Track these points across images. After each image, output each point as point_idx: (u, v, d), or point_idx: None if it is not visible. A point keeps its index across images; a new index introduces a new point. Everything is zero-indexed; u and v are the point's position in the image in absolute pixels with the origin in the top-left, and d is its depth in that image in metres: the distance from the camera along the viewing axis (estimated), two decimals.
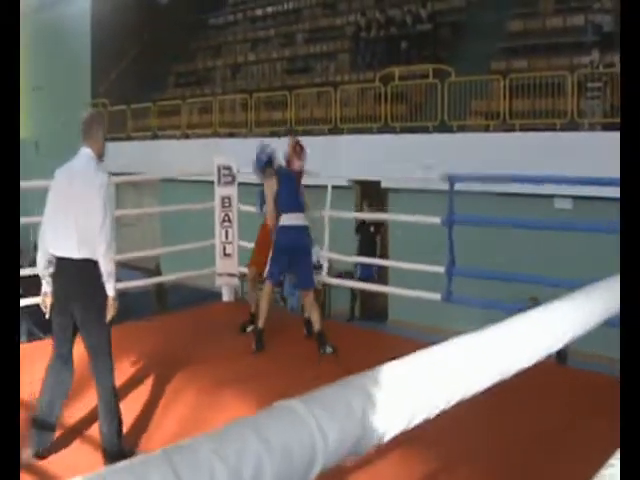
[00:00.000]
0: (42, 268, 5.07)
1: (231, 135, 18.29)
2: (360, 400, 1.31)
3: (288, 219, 7.62)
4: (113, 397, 5.09)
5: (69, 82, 24.43)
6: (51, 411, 5.07)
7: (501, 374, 1.75)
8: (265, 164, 7.95)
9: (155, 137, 20.33)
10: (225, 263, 9.22)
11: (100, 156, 5.12)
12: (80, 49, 24.17)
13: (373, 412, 1.32)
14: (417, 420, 1.45)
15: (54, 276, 5.01)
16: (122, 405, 5.62)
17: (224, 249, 9.21)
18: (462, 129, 14.03)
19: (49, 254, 5.00)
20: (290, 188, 7.74)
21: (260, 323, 7.42)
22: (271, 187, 7.75)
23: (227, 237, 9.21)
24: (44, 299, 5.12)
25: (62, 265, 4.94)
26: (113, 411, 5.06)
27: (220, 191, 9.21)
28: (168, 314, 9.81)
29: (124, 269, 12.60)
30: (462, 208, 7.37)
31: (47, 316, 5.13)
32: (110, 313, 4.99)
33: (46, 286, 5.10)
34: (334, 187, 8.96)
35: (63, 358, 5.11)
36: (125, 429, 5.25)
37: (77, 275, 4.93)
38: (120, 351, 7.13)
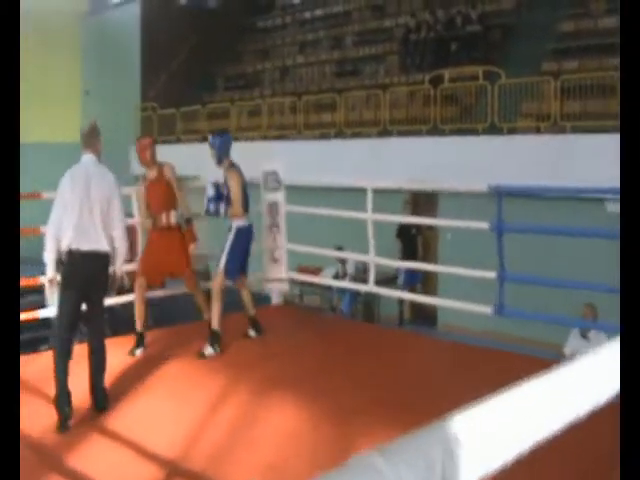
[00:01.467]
0: (52, 261, 5.80)
1: (280, 138, 18.29)
2: (439, 451, 1.26)
3: (244, 220, 7.71)
4: (104, 360, 5.83)
5: (119, 86, 24.63)
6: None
7: (577, 414, 1.70)
8: (224, 152, 7.78)
9: (204, 140, 20.40)
10: (274, 268, 9.20)
11: (99, 159, 5.97)
12: (130, 53, 24.35)
13: (452, 463, 1.27)
14: (495, 466, 1.40)
15: (73, 265, 5.66)
16: (171, 407, 5.72)
17: (272, 254, 9.19)
18: (512, 131, 13.87)
19: (62, 248, 5.67)
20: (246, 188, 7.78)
21: (215, 324, 7.36)
22: (238, 183, 7.62)
23: (275, 242, 9.19)
24: (50, 284, 5.95)
25: (84, 257, 5.64)
26: (104, 363, 5.83)
27: (267, 197, 9.20)
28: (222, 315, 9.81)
29: None
30: (509, 211, 7.26)
31: (50, 297, 6.28)
32: (115, 284, 6.04)
33: (53, 273, 5.86)
34: (382, 191, 8.86)
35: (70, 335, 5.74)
36: (177, 432, 5.33)
37: (100, 264, 5.73)
38: (170, 352, 7.20)
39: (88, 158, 5.90)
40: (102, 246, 5.71)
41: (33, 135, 23.02)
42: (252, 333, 7.87)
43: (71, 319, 5.69)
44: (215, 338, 7.26)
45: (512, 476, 1.66)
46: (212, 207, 7.67)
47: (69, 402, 5.46)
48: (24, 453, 5.08)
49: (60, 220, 5.69)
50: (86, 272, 5.68)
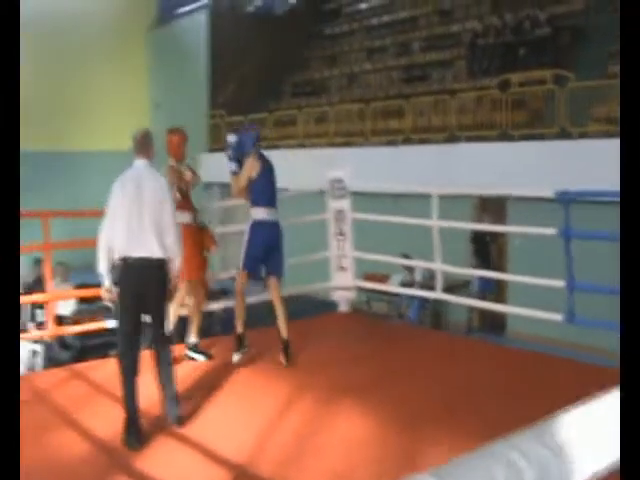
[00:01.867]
0: (106, 269, 5.65)
1: (347, 144, 18.29)
2: (501, 474, 1.22)
3: (264, 213, 7.34)
4: (172, 371, 5.71)
5: (187, 94, 24.90)
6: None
7: None
8: (250, 147, 7.46)
9: (271, 147, 20.51)
10: (340, 276, 9.21)
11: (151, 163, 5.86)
12: (198, 61, 24.62)
13: None
14: None
15: (129, 273, 5.56)
16: (239, 413, 5.83)
17: (339, 262, 9.19)
18: (583, 136, 13.65)
19: (114, 256, 5.57)
20: (270, 180, 7.49)
21: (239, 329, 7.26)
22: (250, 168, 7.33)
23: (342, 250, 9.18)
24: (107, 294, 5.73)
25: (137, 264, 5.54)
26: (173, 378, 5.69)
27: (333, 204, 9.20)
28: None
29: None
30: (579, 217, 7.14)
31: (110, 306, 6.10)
32: (174, 292, 5.94)
33: (109, 283, 5.69)
34: (451, 197, 8.78)
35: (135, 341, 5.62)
36: (245, 437, 5.38)
37: (156, 270, 5.60)
38: (230, 359, 7.23)
39: (141, 163, 5.82)
40: (154, 252, 5.57)
41: (106, 145, 23.48)
42: (282, 360, 7.25)
43: (131, 331, 5.58)
44: (241, 342, 7.21)
45: None
46: (231, 154, 7.48)
47: (138, 428, 5.41)
48: (95, 455, 5.19)
49: (112, 227, 5.61)
50: (140, 280, 5.58)
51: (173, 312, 7.20)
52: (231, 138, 7.45)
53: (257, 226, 7.31)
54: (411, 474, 1.15)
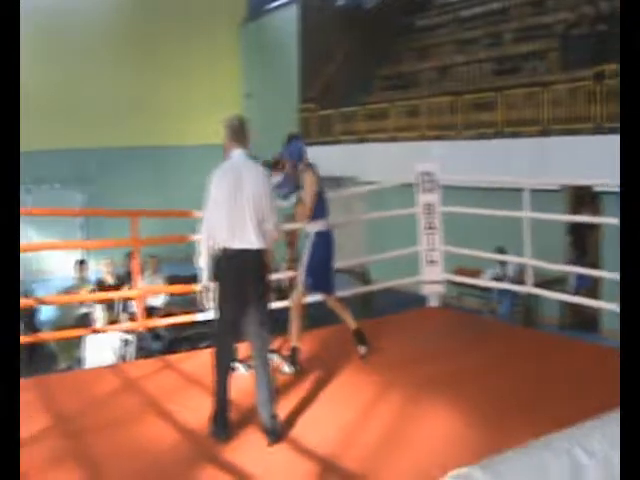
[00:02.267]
0: (206, 263, 5.61)
1: (438, 138, 18.17)
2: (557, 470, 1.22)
3: (324, 225, 7.14)
4: (269, 367, 5.55)
5: (278, 88, 25.08)
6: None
7: None
8: (301, 155, 7.17)
9: (362, 141, 20.50)
10: (430, 270, 9.17)
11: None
12: (289, 55, 24.77)
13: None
14: None
15: (229, 265, 5.47)
16: (328, 407, 5.90)
17: (429, 257, 9.16)
18: None
19: (216, 247, 5.50)
20: (324, 189, 7.24)
21: (295, 341, 7.06)
22: (312, 184, 7.03)
23: (431, 244, 9.15)
24: (205, 290, 5.70)
25: (237, 257, 5.45)
26: (272, 385, 5.50)
27: (422, 198, 9.16)
28: (376, 318, 9.85)
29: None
30: None
31: (208, 302, 5.80)
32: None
33: (207, 278, 5.65)
34: (543, 191, 8.65)
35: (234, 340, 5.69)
36: (328, 432, 5.44)
37: (255, 261, 5.49)
38: (325, 353, 7.27)
39: (239, 153, 5.68)
40: (254, 243, 5.46)
41: (198, 138, 23.79)
42: (362, 350, 7.26)
43: (229, 324, 5.51)
44: (293, 356, 7.02)
45: None
46: (280, 187, 7.10)
47: (226, 420, 5.43)
48: (184, 446, 5.29)
49: (212, 219, 5.52)
50: (240, 272, 5.46)
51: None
52: (275, 179, 7.00)
53: (320, 239, 7.13)
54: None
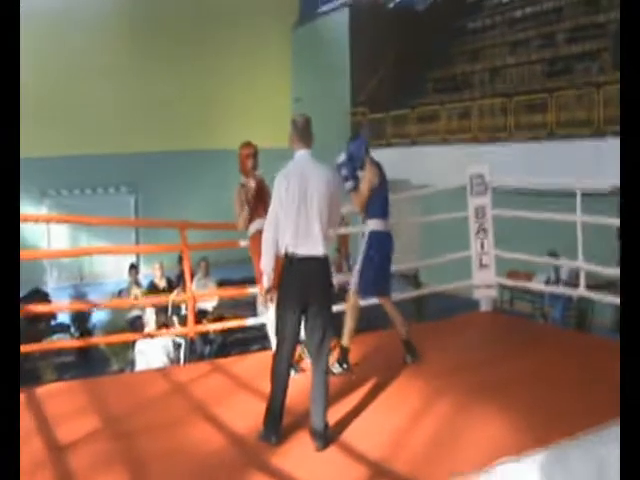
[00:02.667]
0: (270, 267, 5.45)
1: (490, 140, 18.04)
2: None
3: (382, 225, 7.01)
4: (328, 374, 5.45)
5: (329, 92, 25.11)
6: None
7: None
8: (362, 154, 7.04)
9: (414, 143, 20.44)
10: (482, 274, 9.12)
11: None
12: (339, 59, 24.80)
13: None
14: None
15: (293, 272, 5.33)
16: (376, 412, 5.89)
17: (480, 260, 9.09)
18: None
19: (281, 252, 5.38)
20: (386, 187, 7.12)
21: (346, 341, 6.97)
22: (372, 175, 6.96)
23: (483, 248, 9.08)
24: (267, 294, 5.62)
25: (302, 262, 5.30)
26: (326, 392, 5.38)
27: (473, 201, 9.10)
28: (425, 323, 9.82)
29: None
30: None
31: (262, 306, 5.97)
32: None
33: (268, 283, 5.53)
34: (597, 194, 8.53)
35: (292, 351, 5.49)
36: (381, 437, 5.39)
37: (320, 266, 5.37)
38: (375, 358, 7.24)
39: (304, 154, 5.51)
40: (320, 250, 5.33)
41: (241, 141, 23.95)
42: (408, 359, 7.16)
43: (290, 330, 5.37)
44: (344, 356, 6.96)
45: None
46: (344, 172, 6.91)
47: (279, 425, 5.37)
48: (232, 449, 5.30)
49: (277, 222, 5.36)
50: (304, 280, 5.31)
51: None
52: (340, 157, 7.00)
53: (377, 239, 7.01)
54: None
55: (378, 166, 7.10)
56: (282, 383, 5.39)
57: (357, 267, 7.05)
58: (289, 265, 5.36)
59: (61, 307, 12.80)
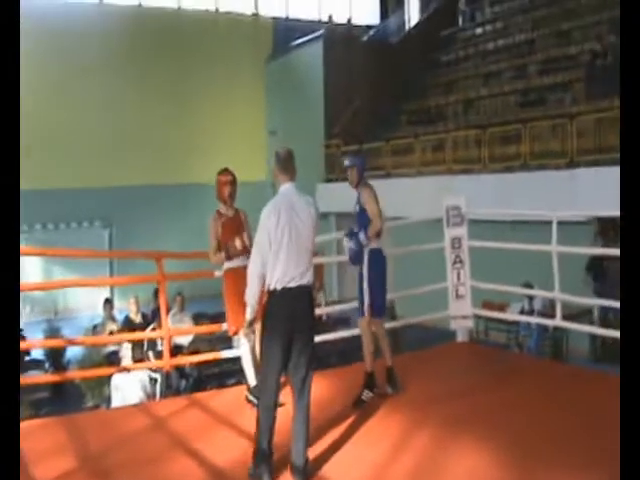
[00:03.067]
0: (254, 300, 5.41)
1: (465, 172, 18.11)
2: None
3: (379, 243, 7.01)
4: (309, 407, 5.35)
5: (303, 124, 25.27)
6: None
7: None
8: (363, 172, 7.15)
9: (388, 176, 20.49)
10: (458, 305, 9.12)
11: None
12: (313, 91, 24.97)
13: None
14: None
15: (281, 304, 5.28)
16: (355, 445, 5.82)
17: (457, 291, 9.09)
18: None
19: (269, 287, 5.30)
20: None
21: (368, 367, 6.96)
22: (375, 198, 6.99)
23: (459, 279, 9.08)
24: (249, 327, 5.59)
25: (291, 293, 5.27)
26: (308, 427, 5.31)
27: (450, 232, 9.12)
28: (402, 355, 9.78)
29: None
30: None
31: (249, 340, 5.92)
32: None
33: (252, 315, 5.47)
34: (570, 223, 8.56)
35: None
36: (355, 471, 5.37)
37: (307, 299, 5.36)
38: (347, 391, 7.18)
39: (289, 187, 5.49)
40: (308, 280, 5.34)
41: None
42: (389, 390, 7.11)
43: (277, 363, 5.28)
44: (371, 380, 6.95)
45: None
46: (353, 245, 6.90)
47: (270, 467, 5.24)
48: None
49: (265, 255, 5.29)
50: (294, 312, 5.29)
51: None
52: (354, 160, 7.20)
53: (374, 256, 6.97)
54: None
55: (370, 185, 7.14)
56: (270, 417, 5.30)
57: (366, 292, 6.94)
58: (278, 298, 5.31)
59: (35, 344, 12.70)
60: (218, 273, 7.65)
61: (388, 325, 8.16)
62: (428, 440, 5.88)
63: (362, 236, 6.86)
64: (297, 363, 5.31)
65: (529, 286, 11.23)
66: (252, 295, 5.42)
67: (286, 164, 5.55)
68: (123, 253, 17.11)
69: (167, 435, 6.36)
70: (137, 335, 11.34)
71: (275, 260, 5.27)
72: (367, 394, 6.85)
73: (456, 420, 6.31)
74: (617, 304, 10.63)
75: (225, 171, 7.17)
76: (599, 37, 18.59)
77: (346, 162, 7.24)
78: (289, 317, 5.27)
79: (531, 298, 13.50)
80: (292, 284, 5.28)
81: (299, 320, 5.29)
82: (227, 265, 7.03)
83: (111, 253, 23.79)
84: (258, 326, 5.71)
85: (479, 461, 5.45)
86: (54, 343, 9.04)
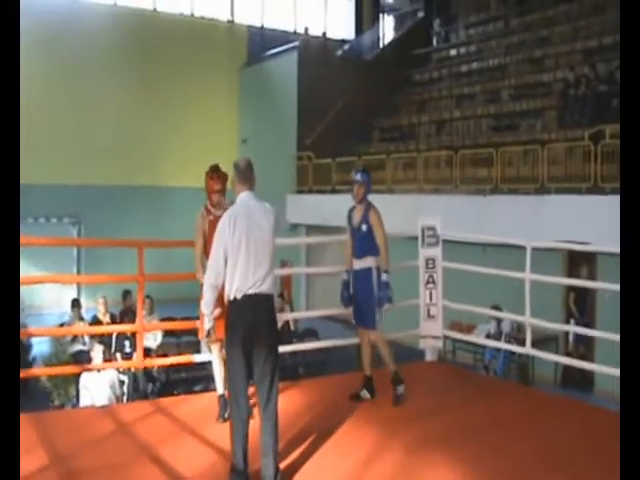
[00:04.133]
0: (211, 308, 5.57)
1: (436, 191, 18.24)
2: None
3: (373, 262, 7.34)
4: (277, 425, 5.32)
5: (276, 134, 25.31)
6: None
7: None
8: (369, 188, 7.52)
9: None
10: (429, 325, 9.18)
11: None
12: (286, 102, 25.01)
13: None
14: None
15: (242, 311, 5.29)
16: (324, 459, 5.83)
17: (428, 311, 9.17)
18: None
19: (228, 295, 5.34)
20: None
21: (367, 371, 7.44)
22: (381, 222, 7.35)
23: (431, 299, 9.15)
24: (208, 337, 5.81)
25: (251, 300, 5.29)
26: (276, 438, 5.30)
27: (424, 252, 9.20)
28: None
29: (328, 321, 12.83)
30: None
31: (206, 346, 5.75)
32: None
33: (209, 324, 5.67)
34: (539, 249, 8.68)
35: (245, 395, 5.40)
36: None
37: (267, 307, 5.36)
38: (318, 404, 7.24)
39: (246, 195, 5.51)
40: (268, 289, 5.34)
41: (192, 181, 24.04)
42: (364, 394, 7.45)
43: (240, 371, 5.28)
44: (369, 384, 7.43)
45: None
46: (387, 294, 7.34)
47: (245, 476, 5.27)
48: None
49: (220, 265, 5.31)
50: (253, 318, 5.27)
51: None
52: (362, 176, 7.57)
53: (363, 272, 7.35)
54: None
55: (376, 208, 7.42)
56: (241, 428, 5.30)
57: (374, 309, 7.33)
58: (238, 304, 5.31)
59: None
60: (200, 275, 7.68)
61: (355, 341, 8.23)
62: (399, 456, 5.94)
63: (384, 277, 7.24)
64: (261, 372, 5.30)
65: (497, 309, 11.38)
66: (206, 304, 5.54)
67: (246, 175, 5.58)
68: (103, 242, 16.65)
69: (133, 441, 6.32)
70: (110, 328, 11.33)
71: (233, 270, 5.30)
72: (365, 394, 7.35)
73: (425, 438, 6.36)
74: (591, 332, 10.98)
75: (214, 174, 6.99)
76: (572, 67, 18.87)
77: (356, 177, 7.47)
78: (249, 326, 5.27)
79: (499, 320, 13.68)
80: (251, 291, 5.28)
81: (260, 328, 5.29)
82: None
83: (90, 241, 23.69)
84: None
85: (449, 477, 5.54)
86: (24, 334, 8.96)
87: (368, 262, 7.29)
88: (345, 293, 7.51)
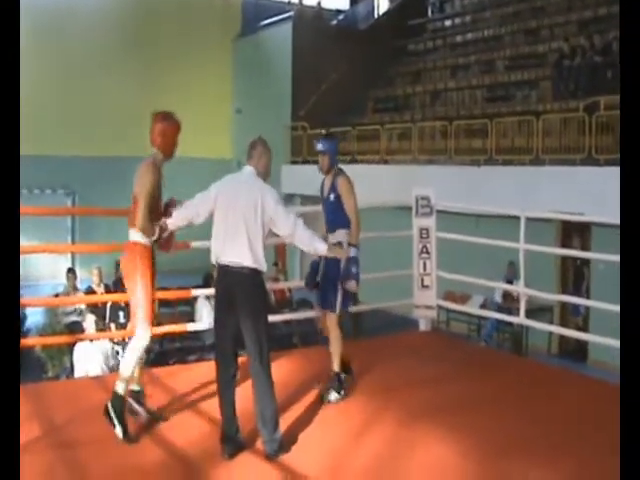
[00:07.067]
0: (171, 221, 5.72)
1: (430, 162, 18.19)
2: None
3: (344, 236, 6.69)
4: (271, 384, 5.37)
5: (270, 105, 25.19)
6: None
7: None
8: (335, 157, 6.81)
9: (354, 161, 20.52)
10: (423, 295, 9.20)
11: (263, 176, 5.57)
12: (281, 72, 24.89)
13: None
14: None
15: (220, 279, 5.42)
16: (314, 430, 5.83)
17: (422, 281, 9.19)
18: None
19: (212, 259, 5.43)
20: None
21: (336, 366, 6.72)
22: (351, 190, 6.70)
23: (425, 269, 9.17)
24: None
25: (227, 271, 5.35)
26: (272, 397, 5.36)
27: (418, 222, 9.19)
28: (363, 340, 9.86)
29: None
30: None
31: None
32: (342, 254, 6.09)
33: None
34: (533, 219, 8.69)
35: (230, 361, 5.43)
36: (317, 457, 5.38)
37: (248, 281, 5.31)
38: (311, 374, 7.24)
39: (247, 169, 5.56)
40: (245, 260, 5.27)
41: (187, 151, 23.96)
42: (332, 396, 6.63)
43: (223, 338, 5.40)
44: (340, 382, 6.67)
45: None
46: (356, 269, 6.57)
47: (236, 441, 5.32)
48: (173, 465, 5.26)
49: (195, 209, 5.56)
50: (230, 287, 5.33)
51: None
52: (324, 144, 6.78)
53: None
54: None
55: (347, 175, 6.84)
56: (227, 392, 5.35)
57: (338, 290, 6.63)
58: (217, 270, 5.45)
59: None
60: (195, 244, 7.66)
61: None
62: (390, 428, 5.93)
63: (352, 252, 6.52)
64: (250, 340, 5.31)
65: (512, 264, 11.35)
66: (175, 218, 5.72)
67: (250, 150, 5.62)
68: (101, 211, 16.46)
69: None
70: (105, 297, 11.31)
71: (215, 233, 5.42)
72: (333, 396, 6.55)
73: (420, 409, 6.34)
74: (582, 301, 11.05)
75: (162, 116, 6.50)
76: (567, 38, 18.76)
77: (318, 147, 6.81)
78: (226, 293, 5.36)
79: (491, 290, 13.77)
80: (225, 261, 5.34)
81: (239, 299, 5.30)
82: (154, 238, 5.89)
83: (87, 210, 23.67)
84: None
85: (444, 451, 5.53)
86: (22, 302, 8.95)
87: (339, 236, 6.64)
88: (310, 275, 6.86)
